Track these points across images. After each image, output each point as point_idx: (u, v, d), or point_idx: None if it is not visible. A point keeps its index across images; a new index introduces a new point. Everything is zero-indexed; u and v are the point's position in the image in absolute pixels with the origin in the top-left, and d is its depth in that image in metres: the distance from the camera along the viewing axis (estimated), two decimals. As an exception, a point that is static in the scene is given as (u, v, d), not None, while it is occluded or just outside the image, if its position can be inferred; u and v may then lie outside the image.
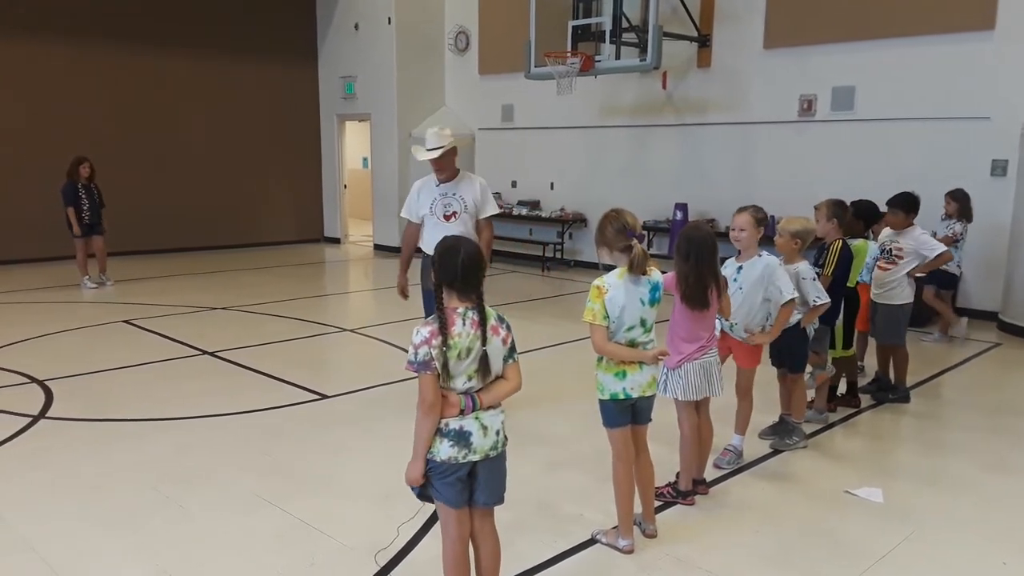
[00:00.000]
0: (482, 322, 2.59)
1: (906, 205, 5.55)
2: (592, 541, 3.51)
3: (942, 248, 5.60)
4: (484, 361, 2.59)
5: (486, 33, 12.80)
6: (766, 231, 4.39)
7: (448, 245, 2.65)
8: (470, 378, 2.59)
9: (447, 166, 5.08)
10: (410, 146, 5.21)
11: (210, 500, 3.91)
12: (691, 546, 3.49)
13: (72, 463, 4.36)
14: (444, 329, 2.53)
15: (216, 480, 4.15)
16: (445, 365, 2.54)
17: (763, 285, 4.18)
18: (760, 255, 4.21)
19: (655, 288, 3.31)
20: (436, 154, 4.98)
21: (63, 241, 9.74)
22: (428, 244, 5.07)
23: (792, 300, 4.18)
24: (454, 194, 5.07)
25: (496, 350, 2.63)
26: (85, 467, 4.31)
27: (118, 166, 11.65)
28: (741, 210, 4.21)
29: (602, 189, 11.55)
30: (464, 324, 2.56)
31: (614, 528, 3.49)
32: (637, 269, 3.24)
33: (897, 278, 5.51)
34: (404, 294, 5.38)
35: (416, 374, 2.55)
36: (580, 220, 11.99)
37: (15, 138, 11.35)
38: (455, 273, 2.58)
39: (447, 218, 5.06)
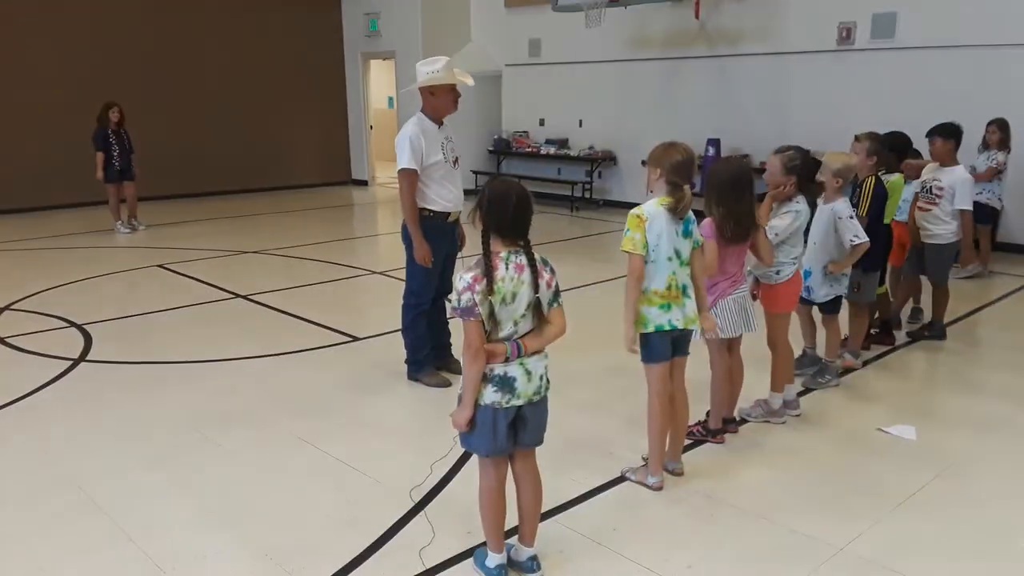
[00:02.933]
0: (531, 265, 2.55)
1: (945, 132, 5.31)
2: (621, 479, 3.54)
3: (967, 207, 5.31)
4: (537, 306, 2.57)
5: (512, -35, 12.46)
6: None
7: (500, 192, 2.56)
8: (516, 323, 2.57)
9: None
10: (437, 67, 4.38)
11: (247, 440, 4.00)
12: (721, 483, 3.51)
13: (112, 405, 4.48)
14: (490, 275, 2.49)
15: (252, 420, 4.23)
16: (492, 312, 2.51)
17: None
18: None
19: (688, 221, 3.30)
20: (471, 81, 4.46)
21: (97, 186, 9.84)
22: (439, 196, 4.46)
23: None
24: (451, 138, 4.55)
25: (541, 294, 2.59)
26: (125, 408, 4.42)
27: (144, 110, 11.63)
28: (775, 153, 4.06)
29: (632, 126, 11.33)
30: (507, 268, 2.52)
31: (643, 466, 3.51)
32: (679, 214, 3.22)
33: (939, 217, 5.32)
34: (431, 261, 4.47)
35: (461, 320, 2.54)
36: (610, 158, 11.80)
37: (46, 84, 11.37)
38: (507, 220, 2.54)
39: (455, 163, 4.54)
